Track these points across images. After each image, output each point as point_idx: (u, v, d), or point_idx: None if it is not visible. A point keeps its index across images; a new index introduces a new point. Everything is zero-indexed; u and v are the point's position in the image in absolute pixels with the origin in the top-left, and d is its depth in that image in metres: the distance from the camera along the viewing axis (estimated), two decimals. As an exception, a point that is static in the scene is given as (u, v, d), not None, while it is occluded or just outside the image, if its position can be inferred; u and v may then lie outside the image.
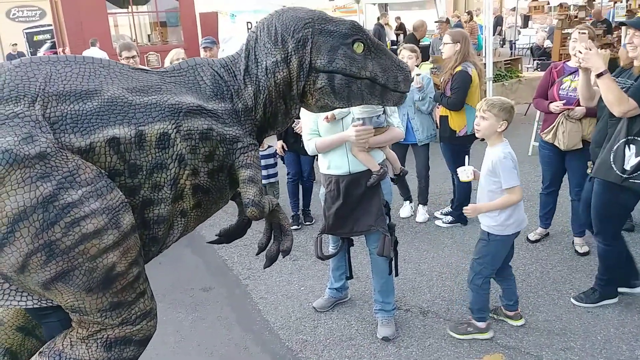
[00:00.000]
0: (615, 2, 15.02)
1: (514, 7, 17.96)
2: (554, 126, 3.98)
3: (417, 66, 5.16)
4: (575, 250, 4.13)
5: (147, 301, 1.87)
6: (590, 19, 12.54)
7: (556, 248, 4.24)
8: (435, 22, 9.90)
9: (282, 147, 4.84)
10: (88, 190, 1.63)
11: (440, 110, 4.68)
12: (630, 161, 3.04)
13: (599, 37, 10.76)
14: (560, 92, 4.01)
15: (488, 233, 3.05)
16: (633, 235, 4.29)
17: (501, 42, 16.73)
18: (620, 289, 3.45)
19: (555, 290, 3.63)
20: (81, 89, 1.73)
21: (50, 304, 1.76)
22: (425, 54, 8.74)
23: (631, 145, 3.04)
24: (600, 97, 3.22)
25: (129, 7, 14.73)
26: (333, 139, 3.03)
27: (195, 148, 1.88)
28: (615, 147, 3.09)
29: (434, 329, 3.28)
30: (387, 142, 3.19)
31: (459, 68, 4.45)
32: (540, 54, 12.70)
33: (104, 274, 1.69)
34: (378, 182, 3.04)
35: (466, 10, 15.39)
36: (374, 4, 12.25)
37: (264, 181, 4.96)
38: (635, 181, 3.02)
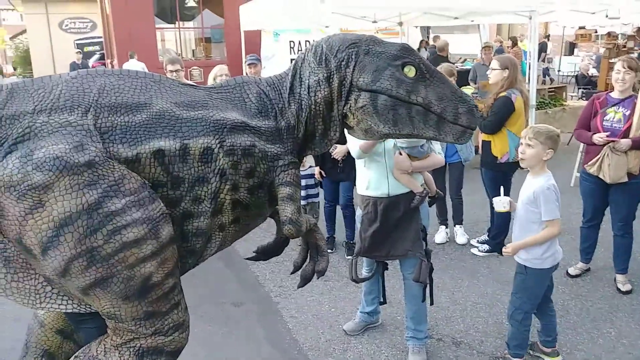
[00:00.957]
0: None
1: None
2: (598, 158, 3.88)
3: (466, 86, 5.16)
4: (617, 287, 3.98)
5: (181, 313, 1.89)
6: (639, 49, 12.23)
7: (597, 284, 4.10)
8: (483, 47, 9.85)
9: (320, 173, 4.72)
10: (131, 200, 1.68)
11: (483, 135, 4.62)
12: None
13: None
14: (604, 123, 3.91)
15: (525, 267, 2.97)
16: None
17: (543, 72, 16.47)
18: None
19: (595, 328, 3.49)
20: (132, 101, 1.80)
21: (89, 310, 1.81)
22: (464, 78, 8.68)
23: None
24: None
25: (176, 22, 15.16)
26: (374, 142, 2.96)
27: (237, 164, 1.91)
28: None
29: (466, 360, 3.20)
30: (428, 168, 3.18)
31: (503, 94, 4.40)
32: (586, 82, 12.44)
33: (141, 283, 1.72)
34: (421, 203, 3.02)
35: (510, 37, 15.23)
36: (416, 27, 12.26)
37: (303, 201, 4.94)
38: None
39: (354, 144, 3.01)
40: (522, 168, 5.17)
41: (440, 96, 2.01)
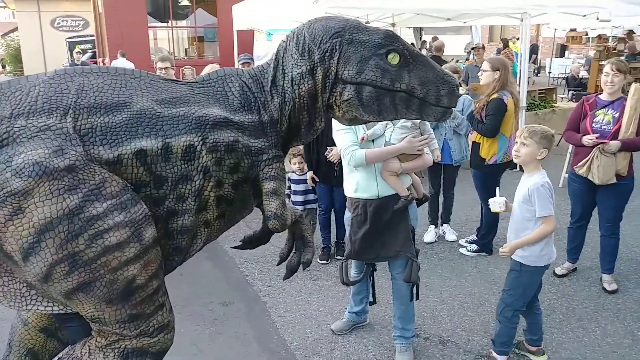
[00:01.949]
0: (657, 36, 14.73)
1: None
2: (588, 159, 3.90)
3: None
4: (604, 287, 4.01)
5: (166, 314, 1.88)
6: (629, 52, 12.33)
7: (584, 284, 4.12)
8: (472, 48, 9.91)
9: (313, 178, 4.55)
10: (113, 203, 1.66)
11: (474, 136, 4.64)
12: None
13: (637, 70, 10.58)
14: (593, 125, 3.94)
15: (520, 264, 2.99)
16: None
17: (535, 71, 16.56)
18: None
19: (581, 327, 3.52)
20: (111, 101, 1.76)
21: (75, 310, 1.79)
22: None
23: None
24: None
25: (169, 21, 15.12)
26: (388, 150, 2.94)
27: (221, 160, 1.90)
28: None
29: (452, 359, 3.21)
30: (418, 169, 3.19)
31: (495, 95, 4.42)
32: (576, 84, 12.52)
33: (124, 286, 1.71)
34: (404, 207, 3.01)
35: (502, 38, 15.31)
36: (409, 28, 12.29)
37: (301, 207, 4.78)
38: None
39: (356, 150, 2.96)
40: (512, 169, 5.23)
41: (422, 80, 1.99)
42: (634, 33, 14.26)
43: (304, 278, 4.28)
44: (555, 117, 8.27)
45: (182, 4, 16.13)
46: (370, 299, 3.48)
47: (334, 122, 3.07)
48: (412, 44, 12.38)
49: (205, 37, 16.25)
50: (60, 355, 1.90)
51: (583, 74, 13.33)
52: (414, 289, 3.14)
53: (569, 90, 12.71)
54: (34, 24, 22.81)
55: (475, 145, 4.59)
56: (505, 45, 12.63)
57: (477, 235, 4.85)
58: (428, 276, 4.24)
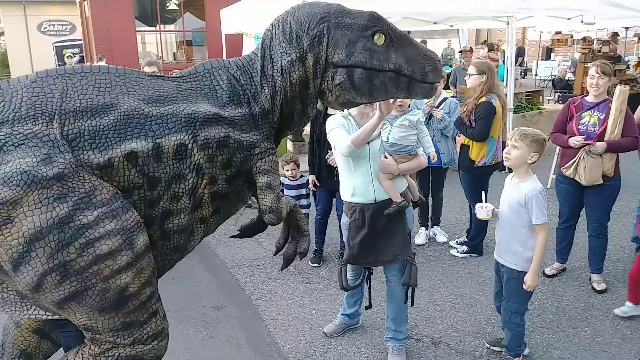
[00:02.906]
0: (640, 38, 14.95)
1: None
2: (575, 161, 3.95)
3: (444, 89, 5.21)
4: (593, 287, 4.05)
5: (159, 321, 1.87)
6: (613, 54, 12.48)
7: (573, 284, 4.17)
8: (460, 51, 9.99)
9: (314, 182, 4.52)
10: (103, 211, 1.65)
11: (462, 139, 4.67)
12: None
13: (622, 72, 10.72)
14: (579, 127, 4.00)
15: (517, 271, 3.00)
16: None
17: (522, 73, 16.72)
18: None
19: (571, 327, 3.56)
20: (97, 103, 1.73)
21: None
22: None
23: None
24: None
25: (157, 25, 15.06)
26: (368, 126, 2.71)
27: (213, 156, 1.89)
28: None
29: (445, 360, 3.24)
30: (414, 170, 3.21)
31: (483, 99, 4.46)
32: (562, 86, 12.65)
33: (117, 295, 1.70)
34: (397, 212, 2.99)
35: (482, 41, 15.44)
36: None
37: None
38: None
39: (342, 140, 2.86)
40: (500, 171, 5.28)
41: (408, 58, 2.02)
42: (619, 35, 14.45)
43: (296, 281, 4.28)
44: (542, 119, 8.35)
45: (170, 8, 16.09)
46: (366, 304, 3.45)
47: (326, 126, 3.08)
48: None
49: (193, 41, 16.23)
50: None
51: (569, 76, 13.49)
52: (410, 292, 3.13)
53: (555, 92, 12.86)
54: (21, 28, 22.59)
55: (464, 148, 4.62)
56: (490, 49, 12.77)
57: (467, 237, 4.89)
58: (419, 278, 4.20)
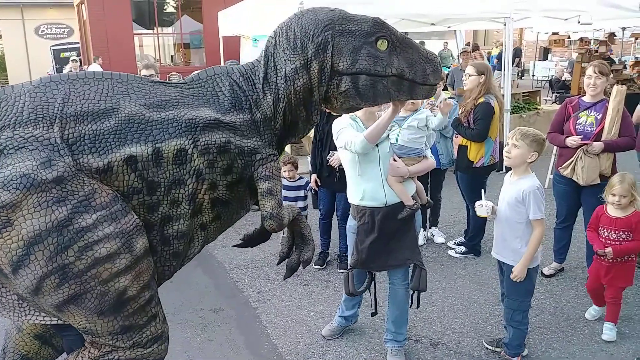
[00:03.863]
0: (637, 38, 14.98)
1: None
2: (572, 161, 3.96)
3: (443, 90, 5.22)
4: (591, 287, 4.06)
5: (159, 325, 1.86)
6: (611, 53, 12.52)
7: (571, 284, 4.17)
8: (461, 52, 10.02)
9: (316, 181, 4.48)
10: (102, 214, 1.65)
11: (460, 140, 4.67)
12: None
13: (619, 72, 10.75)
14: (577, 126, 4.01)
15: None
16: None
17: (519, 74, 16.77)
18: None
19: (570, 327, 3.56)
20: (99, 107, 1.74)
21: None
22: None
23: None
24: None
25: (155, 28, 15.06)
26: (382, 121, 2.65)
27: (213, 162, 1.88)
28: None
29: (443, 361, 3.24)
30: (424, 172, 3.17)
31: (481, 99, 4.47)
32: (559, 86, 12.68)
33: (116, 298, 1.70)
34: (409, 216, 2.97)
35: (466, 42, 15.56)
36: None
37: None
38: None
39: (355, 136, 2.81)
40: (498, 171, 5.29)
41: (410, 62, 2.06)
42: (615, 36, 14.48)
43: (294, 283, 4.28)
44: (540, 119, 8.37)
45: (167, 10, 16.09)
46: (363, 306, 3.43)
47: (333, 128, 3.06)
48: None
49: (191, 44, 16.23)
50: None
51: (566, 76, 13.52)
52: (416, 296, 3.11)
53: (552, 93, 12.88)
54: (18, 31, 22.57)
55: (462, 149, 4.62)
56: (474, 49, 13.13)
57: (465, 237, 4.89)
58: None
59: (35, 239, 1.57)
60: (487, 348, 3.32)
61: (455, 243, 4.94)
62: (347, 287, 3.11)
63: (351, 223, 3.16)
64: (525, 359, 3.22)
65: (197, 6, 14.57)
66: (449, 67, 12.06)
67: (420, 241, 5.04)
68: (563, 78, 13.22)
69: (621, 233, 3.36)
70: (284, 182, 4.79)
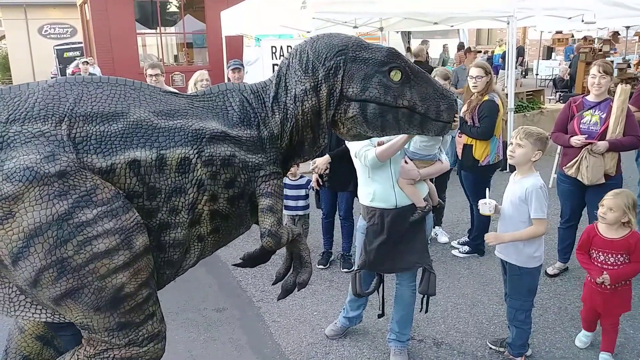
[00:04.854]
0: (641, 37, 14.94)
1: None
2: (577, 160, 3.95)
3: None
4: (595, 286, 4.04)
5: (156, 324, 1.86)
6: (615, 52, 12.48)
7: (575, 283, 4.16)
8: (466, 51, 10.06)
9: (317, 180, 4.43)
10: (103, 210, 1.66)
11: (464, 139, 4.65)
12: None
13: (623, 71, 10.71)
14: (581, 126, 3.99)
15: (518, 267, 3.02)
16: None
17: (523, 73, 16.73)
18: None
19: (574, 327, 3.54)
20: (108, 110, 1.77)
21: (62, 320, 1.78)
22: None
23: None
24: None
25: (158, 27, 15.08)
26: (397, 143, 2.76)
27: (216, 174, 1.89)
28: None
29: (447, 361, 3.23)
30: (435, 175, 3.14)
31: (485, 97, 4.46)
32: (563, 86, 12.64)
33: (113, 294, 1.70)
34: (422, 218, 2.95)
35: (459, 43, 15.65)
36: (397, 32, 12.37)
37: (292, 212, 4.78)
38: None
39: (368, 151, 2.86)
40: (502, 170, 5.27)
41: (423, 96, 2.05)
42: (619, 34, 14.45)
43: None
44: (544, 118, 8.34)
45: (170, 10, 16.10)
46: (379, 311, 3.37)
47: None
48: (408, 47, 12.61)
49: (194, 44, 16.23)
50: None
51: (564, 71, 13.47)
52: (425, 300, 3.10)
53: (556, 92, 12.84)
54: (22, 31, 22.65)
55: (467, 148, 4.61)
56: (460, 49, 13.29)
57: (468, 237, 4.89)
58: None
59: (35, 231, 1.58)
60: (490, 348, 3.31)
61: (459, 243, 4.94)
62: (354, 288, 3.10)
63: (361, 223, 3.14)
64: (529, 359, 3.21)
65: (199, 6, 14.56)
66: (452, 66, 12.07)
67: (424, 241, 5.04)
68: (567, 77, 13.17)
69: (619, 256, 3.02)
70: (286, 180, 4.78)
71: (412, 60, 10.55)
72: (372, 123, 2.03)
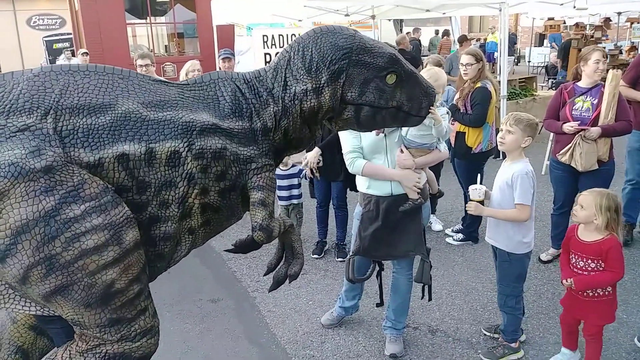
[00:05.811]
0: (633, 23, 14.95)
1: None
2: (570, 147, 3.95)
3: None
4: (588, 272, 4.07)
5: (148, 319, 1.84)
6: (607, 39, 12.49)
7: (568, 269, 4.18)
8: (459, 42, 10.05)
9: (311, 170, 4.33)
10: (91, 205, 1.62)
11: (457, 127, 4.65)
12: None
13: (615, 57, 10.73)
14: (573, 112, 4.00)
15: (508, 253, 3.03)
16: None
17: (515, 60, 16.75)
18: None
19: (567, 312, 3.57)
20: (96, 102, 1.72)
21: (52, 313, 1.76)
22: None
23: None
24: None
25: (148, 17, 14.93)
26: (384, 173, 2.91)
27: (207, 167, 1.86)
28: None
29: (442, 348, 3.24)
30: (432, 164, 3.13)
31: (478, 84, 4.45)
32: (555, 72, 12.65)
33: (103, 290, 1.68)
34: (412, 210, 2.94)
35: (443, 30, 15.61)
36: (389, 20, 12.32)
37: (286, 202, 4.76)
38: None
39: (355, 162, 2.93)
40: (495, 158, 5.28)
41: (410, 96, 2.13)
42: (611, 20, 14.45)
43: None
44: (536, 105, 8.35)
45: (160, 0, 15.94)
46: (378, 301, 3.39)
47: None
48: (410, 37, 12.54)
49: (185, 33, 16.08)
50: (43, 359, 1.87)
51: (554, 58, 13.47)
52: (426, 289, 3.11)
53: (548, 79, 12.85)
54: (10, 23, 22.36)
55: (460, 135, 4.61)
56: (444, 35, 13.28)
57: (462, 225, 4.90)
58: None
59: (22, 228, 1.55)
60: (485, 334, 3.33)
61: (452, 230, 4.95)
62: (347, 273, 3.11)
63: (357, 210, 3.15)
64: (524, 344, 3.24)
65: (190, -5, 14.44)
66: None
67: (418, 229, 5.05)
68: (558, 65, 13.18)
69: (589, 261, 2.73)
70: (278, 170, 4.76)
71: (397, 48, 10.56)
72: (364, 124, 2.12)
